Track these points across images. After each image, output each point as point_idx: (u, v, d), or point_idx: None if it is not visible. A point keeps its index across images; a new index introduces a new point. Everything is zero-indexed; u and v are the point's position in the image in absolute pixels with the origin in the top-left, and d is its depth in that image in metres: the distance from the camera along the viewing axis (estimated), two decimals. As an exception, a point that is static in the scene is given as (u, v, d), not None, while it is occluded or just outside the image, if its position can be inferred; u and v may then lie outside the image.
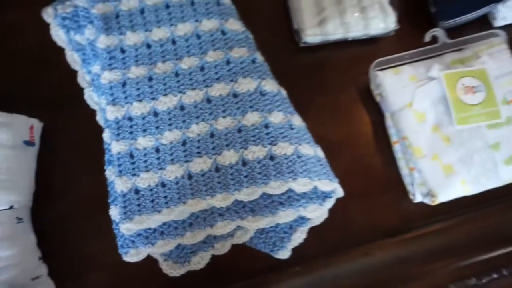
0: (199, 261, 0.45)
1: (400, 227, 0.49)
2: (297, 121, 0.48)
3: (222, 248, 0.45)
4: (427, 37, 0.53)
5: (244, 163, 0.44)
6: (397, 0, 0.56)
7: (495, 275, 0.48)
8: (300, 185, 0.43)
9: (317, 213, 0.45)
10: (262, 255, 0.46)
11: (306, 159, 0.45)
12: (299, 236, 0.47)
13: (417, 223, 0.49)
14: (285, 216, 0.43)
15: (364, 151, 0.52)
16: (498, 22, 0.56)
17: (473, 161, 0.47)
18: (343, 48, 0.55)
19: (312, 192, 0.45)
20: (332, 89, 0.54)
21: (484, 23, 0.58)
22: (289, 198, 0.44)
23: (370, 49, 0.55)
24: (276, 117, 0.46)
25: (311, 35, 0.52)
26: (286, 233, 0.46)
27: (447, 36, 0.53)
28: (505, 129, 0.49)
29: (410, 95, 0.49)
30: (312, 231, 0.48)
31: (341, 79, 0.54)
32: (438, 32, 0.53)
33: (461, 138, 0.48)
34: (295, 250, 0.46)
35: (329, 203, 0.47)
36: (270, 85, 0.47)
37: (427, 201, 0.48)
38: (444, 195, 0.46)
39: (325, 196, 0.46)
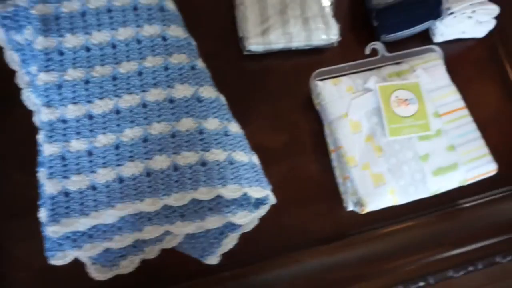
0: (128, 265, 0.45)
1: (333, 235, 0.51)
2: (233, 128, 0.48)
3: (151, 252, 0.45)
4: (367, 50, 0.54)
5: (176, 168, 0.44)
6: (344, 13, 0.59)
7: (421, 283, 0.49)
8: (230, 192, 0.44)
9: (247, 220, 0.45)
10: (193, 259, 0.47)
11: (239, 165, 0.46)
12: (229, 242, 0.47)
13: (350, 231, 0.51)
14: (213, 222, 0.44)
15: (302, 159, 0.53)
16: (437, 38, 0.59)
17: (403, 171, 0.49)
18: (287, 57, 0.57)
19: (244, 198, 0.46)
20: (274, 97, 0.55)
21: (426, 38, 0.60)
22: (219, 204, 0.45)
23: (314, 59, 0.56)
24: (212, 124, 0.47)
25: (254, 44, 0.53)
26: (217, 238, 0.47)
27: (386, 49, 0.55)
28: (435, 141, 0.50)
29: (346, 105, 0.51)
30: (245, 237, 0.48)
31: (284, 87, 0.55)
32: (378, 45, 0.55)
33: (392, 149, 0.50)
34: (227, 255, 0.47)
35: (263, 210, 0.48)
36: (208, 92, 0.48)
37: (357, 209, 0.49)
38: (373, 204, 0.48)
39: (260, 203, 0.48)
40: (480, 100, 0.59)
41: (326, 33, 0.54)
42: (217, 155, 0.45)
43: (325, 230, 0.51)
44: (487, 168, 0.50)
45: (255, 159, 0.48)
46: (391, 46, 0.56)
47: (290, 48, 0.55)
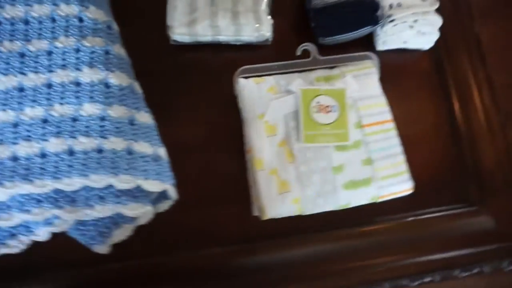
0: (17, 245, 0.44)
1: (236, 240, 0.49)
2: (142, 117, 0.47)
3: (41, 235, 0.45)
4: (298, 51, 0.52)
5: (71, 152, 0.43)
6: (286, 11, 0.57)
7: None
8: (121, 182, 0.43)
9: (138, 212, 0.45)
10: (83, 246, 0.46)
11: (138, 156, 0.45)
12: (121, 233, 0.46)
13: (256, 237, 0.49)
14: (102, 211, 0.43)
15: (220, 157, 0.52)
16: (380, 46, 0.56)
17: (312, 181, 0.47)
18: (217, 51, 0.55)
19: (139, 190, 0.45)
20: (199, 91, 0.53)
21: (370, 45, 0.58)
22: (110, 194, 0.44)
23: (245, 55, 0.54)
24: (116, 111, 0.45)
25: (179, 34, 0.51)
26: (108, 228, 0.46)
27: (322, 52, 0.53)
28: (351, 153, 0.49)
29: (264, 106, 0.49)
30: (143, 230, 0.47)
31: (210, 82, 0.53)
32: (310, 47, 0.53)
33: (304, 156, 0.48)
34: (120, 246, 0.46)
35: (163, 205, 0.47)
36: (119, 78, 0.47)
37: (260, 215, 0.48)
38: (273, 212, 0.46)
39: (164, 197, 0.47)
40: (417, 115, 0.57)
41: (257, 29, 0.52)
42: (114, 143, 0.43)
43: (230, 233, 0.49)
44: (402, 186, 0.48)
45: (161, 152, 0.47)
46: (331, 50, 0.54)
47: (219, 42, 0.53)
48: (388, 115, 0.50)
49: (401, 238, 0.52)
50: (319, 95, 0.49)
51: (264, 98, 0.49)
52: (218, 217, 0.50)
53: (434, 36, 0.55)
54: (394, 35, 0.54)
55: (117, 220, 0.46)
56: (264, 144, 0.48)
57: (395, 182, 0.48)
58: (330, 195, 0.47)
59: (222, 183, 0.50)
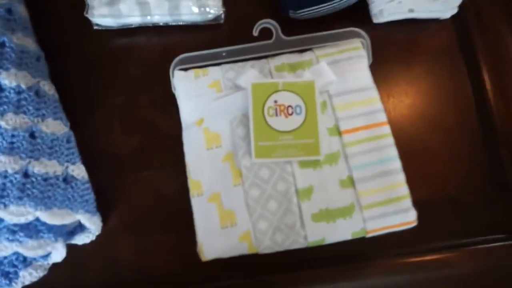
0: None
1: (176, 277, 0.38)
2: (50, 127, 0.36)
3: None
4: (255, 30, 0.38)
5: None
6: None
7: None
8: (11, 214, 0.34)
9: (41, 252, 0.35)
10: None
11: (41, 179, 0.34)
12: (31, 273, 0.37)
13: (197, 275, 0.38)
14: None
15: (156, 173, 0.40)
16: (377, 18, 0.40)
17: (268, 210, 0.34)
18: (153, 36, 0.42)
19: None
20: (130, 88, 0.41)
21: (366, 19, 0.42)
22: (4, 228, 0.35)
23: (190, 40, 0.42)
24: (10, 121, 0.36)
25: (101, 16, 0.39)
26: (15, 267, 0.37)
27: (286, 31, 0.39)
28: (325, 171, 0.34)
29: (204, 108, 0.36)
30: (66, 265, 0.38)
31: (144, 76, 0.41)
32: (271, 24, 0.39)
33: (257, 176, 0.35)
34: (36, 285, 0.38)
35: (85, 236, 0.38)
36: (17, 79, 0.36)
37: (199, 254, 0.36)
38: (213, 252, 0.34)
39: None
40: (432, 111, 0.41)
41: (200, 5, 0.39)
42: (3, 164, 0.35)
43: (170, 268, 0.38)
44: (399, 218, 0.34)
45: (76, 170, 0.37)
46: (305, 28, 0.40)
47: (154, 23, 0.41)
48: (381, 116, 0.36)
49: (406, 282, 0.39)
50: (277, 91, 0.35)
51: (204, 97, 0.36)
52: (154, 248, 0.38)
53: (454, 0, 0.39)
54: (394, 1, 0.39)
55: (26, 257, 0.37)
56: (202, 160, 0.35)
57: (390, 212, 0.33)
58: (294, 230, 0.34)
59: (161, 207, 0.39)
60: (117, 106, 0.41)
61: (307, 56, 0.37)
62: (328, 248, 0.36)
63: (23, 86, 0.36)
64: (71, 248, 0.38)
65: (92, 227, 0.36)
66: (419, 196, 0.36)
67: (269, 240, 0.34)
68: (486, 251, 0.38)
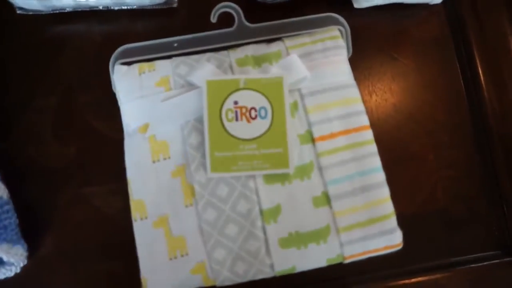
0: None
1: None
2: None
3: None
4: (213, 16, 0.32)
5: None
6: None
7: None
8: None
9: None
10: None
11: None
12: None
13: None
14: None
15: (97, 189, 0.33)
16: (359, 2, 0.35)
17: (227, 235, 0.28)
18: (97, 23, 0.35)
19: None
20: (66, 86, 0.34)
21: (347, 3, 0.38)
22: None
23: (139, 27, 0.35)
24: None
25: (22, -3, 0.33)
26: None
27: (250, 17, 0.32)
28: (294, 188, 0.29)
29: (150, 111, 0.30)
30: None
31: (84, 71, 0.34)
32: (232, 8, 0.32)
33: (213, 194, 0.28)
34: None
35: (4, 271, 0.31)
36: None
37: (144, 289, 0.31)
38: (158, 286, 0.28)
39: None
40: (420, 109, 0.36)
41: (146, -17, 0.33)
42: None
43: None
44: (383, 241, 0.28)
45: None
46: (274, 13, 0.34)
47: (92, 7, 0.34)
48: (362, 119, 0.30)
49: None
50: (238, 90, 0.29)
51: (149, 98, 0.30)
52: (98, 277, 0.32)
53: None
54: (377, -19, 0.34)
55: None
56: (147, 175, 0.29)
57: (372, 234, 0.28)
58: (258, 257, 0.28)
59: (104, 230, 0.32)
60: (49, 108, 0.34)
61: (275, 47, 0.31)
62: (298, 274, 0.31)
63: None
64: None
65: (12, 259, 0.29)
66: (403, 209, 0.31)
67: (228, 272, 0.28)
68: (480, 270, 0.34)
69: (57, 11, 0.34)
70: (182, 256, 0.28)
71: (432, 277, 0.33)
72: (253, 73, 0.30)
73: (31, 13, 0.34)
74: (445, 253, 0.34)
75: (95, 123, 0.34)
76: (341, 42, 0.31)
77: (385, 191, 0.29)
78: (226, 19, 0.33)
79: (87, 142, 0.34)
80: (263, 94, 0.29)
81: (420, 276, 0.33)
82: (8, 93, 0.35)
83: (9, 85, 0.35)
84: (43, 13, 0.34)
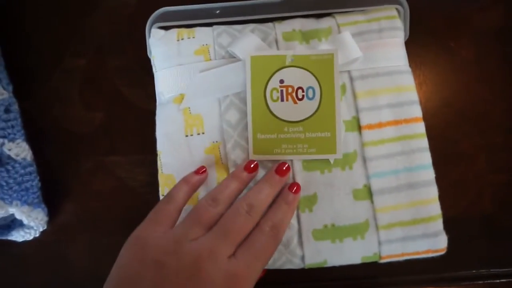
0: None
1: None
2: None
3: None
4: (261, -17, 0.31)
5: None
6: None
7: None
8: None
9: None
10: None
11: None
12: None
13: None
14: None
15: (121, 160, 0.31)
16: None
17: (258, 220, 0.28)
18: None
19: None
20: (97, 48, 0.32)
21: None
22: None
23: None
24: None
25: None
26: None
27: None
28: (333, 177, 0.26)
29: (186, 81, 0.27)
30: (3, 266, 0.31)
31: (116, 34, 0.32)
32: (282, -24, 0.31)
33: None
34: None
35: (23, 234, 0.30)
36: None
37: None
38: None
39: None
40: (468, 110, 0.33)
41: None
42: None
43: None
44: (426, 244, 0.26)
45: (15, 149, 0.28)
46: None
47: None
48: (415, 110, 0.27)
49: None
50: (284, 67, 0.27)
51: (187, 67, 0.27)
52: (113, 253, 0.27)
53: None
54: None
55: None
56: (178, 150, 0.27)
57: (414, 236, 0.26)
58: (289, 247, 0.26)
59: (124, 202, 0.31)
60: (77, 70, 0.32)
61: (325, 23, 0.28)
62: (328, 268, 0.29)
63: None
64: (9, 246, 0.31)
65: (32, 223, 0.28)
66: (444, 211, 0.28)
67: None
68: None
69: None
70: (209, 238, 0.27)
71: (470, 286, 0.32)
72: (301, 49, 0.28)
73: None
74: (485, 263, 0.32)
75: (125, 90, 0.32)
76: (399, 23, 0.28)
77: (433, 191, 0.27)
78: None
79: (115, 109, 0.32)
80: (311, 72, 0.27)
81: (456, 285, 0.32)
82: (37, 52, 0.33)
83: (38, 44, 0.33)
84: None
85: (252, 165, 0.25)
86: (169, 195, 0.25)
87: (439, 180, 0.28)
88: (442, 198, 0.28)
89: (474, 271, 0.31)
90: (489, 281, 0.31)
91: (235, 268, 0.22)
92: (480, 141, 0.33)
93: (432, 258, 0.28)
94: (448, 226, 0.28)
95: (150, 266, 0.21)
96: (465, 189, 0.32)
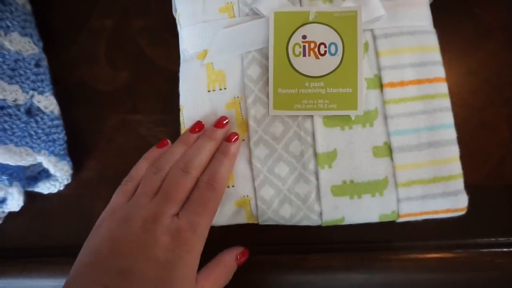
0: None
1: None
2: (15, 44, 0.28)
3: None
4: None
5: None
6: None
7: None
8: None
9: None
10: None
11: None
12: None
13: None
14: None
15: (144, 118, 0.32)
16: None
17: (277, 174, 0.27)
18: None
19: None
20: (123, 8, 0.32)
21: None
22: None
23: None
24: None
25: None
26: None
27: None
28: (354, 134, 0.26)
29: (210, 37, 0.28)
30: (27, 218, 0.32)
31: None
32: None
33: (267, 131, 0.27)
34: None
35: (49, 185, 0.31)
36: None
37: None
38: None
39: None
40: (496, 75, 0.33)
41: None
42: None
43: None
44: (449, 202, 0.26)
45: (43, 102, 0.29)
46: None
47: None
48: (438, 70, 0.27)
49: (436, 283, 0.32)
50: (307, 23, 0.27)
51: (212, 24, 0.28)
52: None
53: None
54: None
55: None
56: (201, 104, 0.28)
57: (434, 194, 0.26)
58: (307, 202, 0.27)
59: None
60: (104, 31, 0.33)
61: (350, -19, 0.29)
62: (343, 228, 0.29)
63: None
64: (34, 197, 0.32)
65: (58, 173, 0.29)
66: (465, 179, 0.28)
67: (273, 213, 0.27)
68: (541, 255, 0.32)
69: None
70: (229, 187, 0.27)
71: (488, 254, 0.31)
72: (324, 6, 0.28)
73: None
74: (505, 232, 0.31)
75: (148, 50, 0.33)
76: (424, -17, 0.29)
77: (455, 150, 0.27)
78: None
79: (139, 69, 0.33)
80: (334, 29, 0.27)
81: (474, 252, 0.31)
82: (65, 12, 0.34)
83: (66, 4, 0.34)
84: None
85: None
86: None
87: (460, 147, 0.28)
88: (463, 165, 0.28)
89: (493, 239, 0.31)
90: (507, 249, 0.31)
91: (177, 225, 0.23)
92: (504, 110, 0.33)
93: (450, 223, 0.28)
94: (468, 193, 0.28)
95: (105, 238, 0.23)
96: (487, 157, 0.32)
